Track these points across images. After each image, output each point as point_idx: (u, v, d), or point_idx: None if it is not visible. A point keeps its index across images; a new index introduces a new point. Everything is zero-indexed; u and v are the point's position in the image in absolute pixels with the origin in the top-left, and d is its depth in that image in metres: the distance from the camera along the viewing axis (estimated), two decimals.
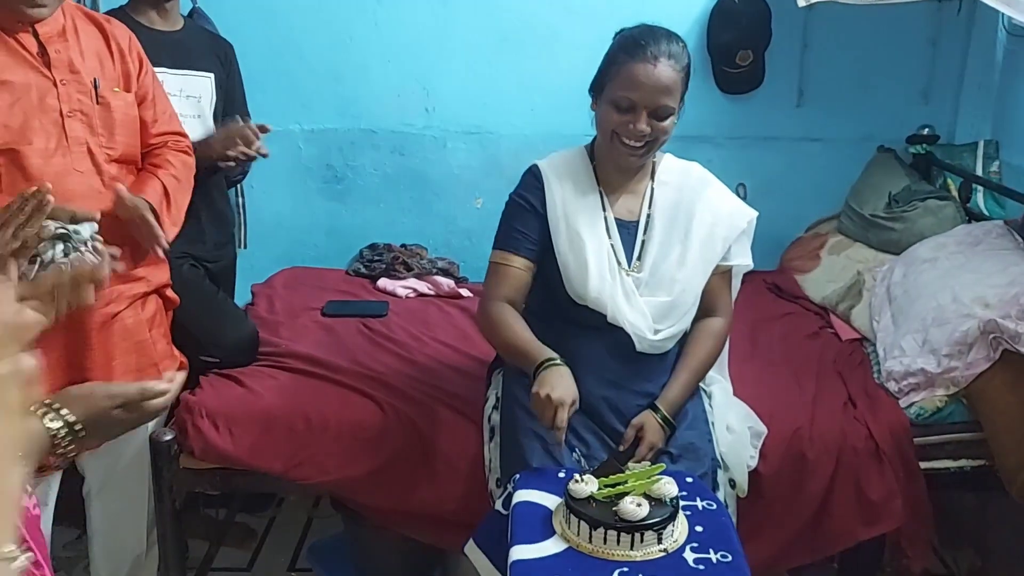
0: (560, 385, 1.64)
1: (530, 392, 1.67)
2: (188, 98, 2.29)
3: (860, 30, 2.96)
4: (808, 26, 2.96)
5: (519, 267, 1.84)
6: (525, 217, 1.86)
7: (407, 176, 3.12)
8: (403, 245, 3.09)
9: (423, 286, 2.87)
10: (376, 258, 2.99)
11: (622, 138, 1.78)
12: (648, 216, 1.88)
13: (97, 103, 1.77)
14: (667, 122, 1.77)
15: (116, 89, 1.83)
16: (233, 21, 2.73)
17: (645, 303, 1.83)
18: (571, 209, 1.84)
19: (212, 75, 2.35)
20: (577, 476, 1.51)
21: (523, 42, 2.98)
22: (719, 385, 2.08)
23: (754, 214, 1.92)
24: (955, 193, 2.86)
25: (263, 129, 2.22)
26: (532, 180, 1.89)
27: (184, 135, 2.04)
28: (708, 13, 2.92)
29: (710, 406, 2.00)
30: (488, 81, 3.02)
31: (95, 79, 1.77)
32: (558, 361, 1.69)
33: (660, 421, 1.80)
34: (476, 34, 2.95)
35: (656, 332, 1.83)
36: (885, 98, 3.08)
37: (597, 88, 1.84)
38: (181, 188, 1.95)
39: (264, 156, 2.24)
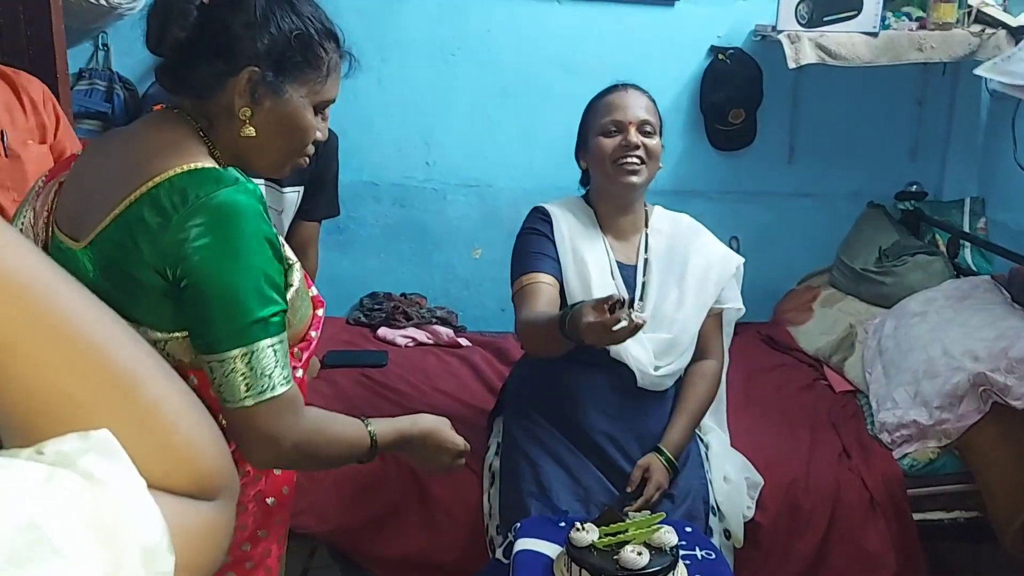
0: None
1: (579, 336, 1.51)
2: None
3: (849, 90, 3.04)
4: (799, 86, 3.05)
5: (547, 281, 1.84)
6: (541, 243, 1.91)
7: (407, 227, 3.17)
8: (403, 294, 3.12)
9: (422, 335, 2.90)
10: (376, 307, 3.03)
11: (620, 159, 1.85)
12: (645, 260, 1.94)
13: (6, 156, 1.66)
14: (654, 141, 1.88)
15: (29, 142, 1.71)
16: None
17: (647, 339, 1.87)
18: (577, 244, 1.90)
19: (301, 188, 2.15)
20: (578, 524, 1.53)
21: (522, 98, 3.06)
22: (715, 435, 2.12)
23: (740, 260, 2.00)
24: (943, 248, 2.92)
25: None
26: (539, 216, 1.96)
27: None
28: (701, 73, 3.01)
29: (706, 455, 2.04)
30: (487, 135, 3.10)
31: (2, 132, 1.66)
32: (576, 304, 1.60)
33: (664, 463, 1.84)
34: (477, 90, 3.03)
35: (657, 368, 1.88)
36: (874, 155, 3.15)
37: (581, 142, 1.96)
38: None
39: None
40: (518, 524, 1.69)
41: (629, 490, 1.82)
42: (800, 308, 2.97)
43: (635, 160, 1.85)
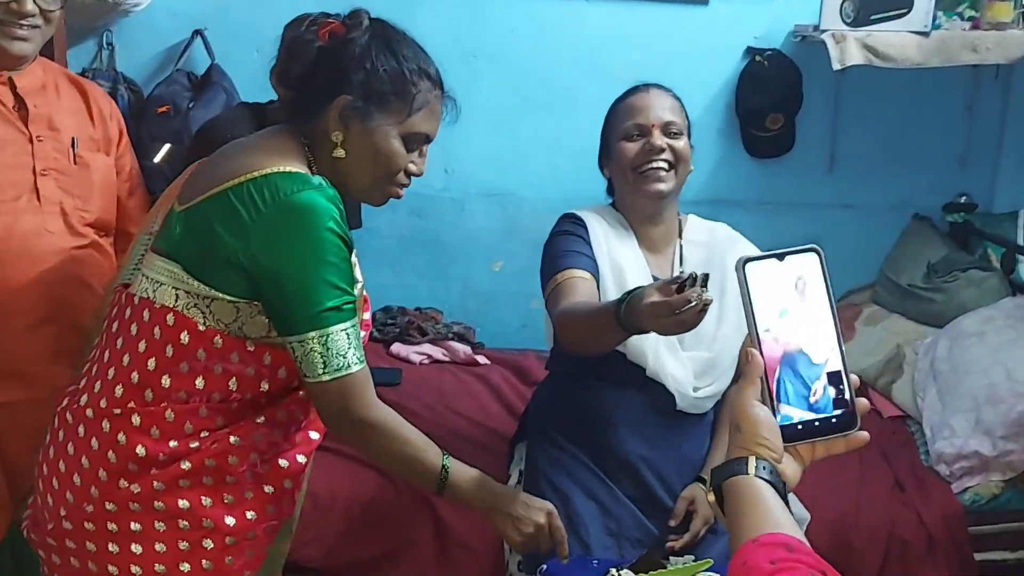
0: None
1: (637, 321, 1.34)
2: None
3: (894, 95, 2.89)
4: (840, 90, 2.89)
5: (585, 277, 1.67)
6: (576, 243, 1.75)
7: (424, 238, 3.04)
8: (418, 309, 2.99)
9: (438, 352, 2.75)
10: (390, 322, 2.89)
11: (644, 166, 1.71)
12: (681, 273, 1.79)
13: (75, 163, 1.68)
14: (681, 143, 1.73)
15: (97, 152, 1.75)
16: (251, 83, 2.68)
17: (687, 357, 1.73)
18: (614, 253, 1.74)
19: None
20: (613, 572, 1.37)
21: (545, 103, 2.92)
22: None
23: None
24: (997, 264, 2.76)
25: None
26: (572, 220, 1.81)
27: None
28: (737, 76, 2.86)
29: None
30: (509, 142, 2.96)
31: (73, 138, 1.69)
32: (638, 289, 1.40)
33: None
34: (498, 94, 2.89)
35: (696, 389, 1.73)
36: (920, 164, 2.99)
37: (604, 149, 1.83)
38: None
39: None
40: (544, 566, 1.52)
41: (672, 524, 1.67)
42: (842, 326, 2.80)
43: (662, 164, 1.71)
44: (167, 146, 2.64)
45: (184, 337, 1.22)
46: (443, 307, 3.03)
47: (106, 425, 1.23)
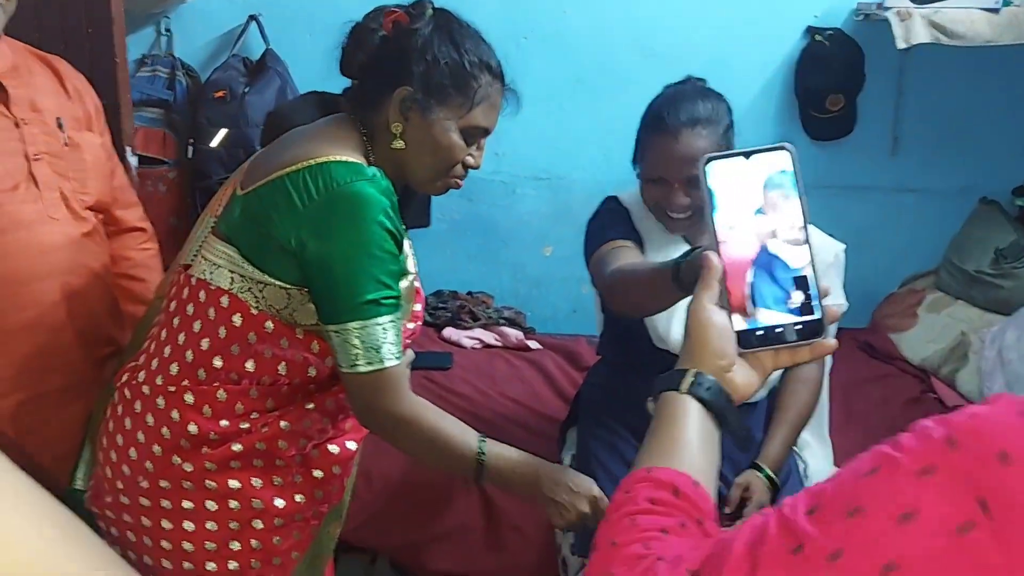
0: None
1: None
2: None
3: (960, 74, 2.78)
4: (904, 69, 2.80)
5: (629, 246, 1.62)
6: (620, 221, 1.70)
7: (474, 222, 3.03)
8: (469, 293, 2.98)
9: (489, 337, 2.74)
10: (441, 305, 2.89)
11: (666, 211, 1.65)
12: None
13: (66, 145, 1.54)
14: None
15: (83, 131, 1.61)
16: (306, 68, 2.70)
17: None
18: (655, 244, 1.70)
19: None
20: None
21: (598, 85, 2.88)
22: (812, 451, 1.92)
23: (841, 246, 1.77)
24: None
25: None
26: (614, 203, 1.77)
27: (143, 229, 1.77)
28: (797, 55, 2.78)
29: (805, 472, 1.85)
30: (560, 125, 2.93)
31: (58, 118, 1.54)
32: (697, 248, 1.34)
33: (765, 480, 1.67)
34: (549, 76, 2.86)
35: None
36: (988, 147, 2.88)
37: (637, 152, 1.72)
38: None
39: None
40: None
41: (727, 511, 1.64)
42: (903, 313, 2.72)
43: (681, 216, 1.63)
44: (223, 131, 2.67)
45: (237, 319, 1.23)
46: (494, 291, 3.01)
47: (161, 402, 1.26)
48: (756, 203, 0.85)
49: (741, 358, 0.83)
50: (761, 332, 0.84)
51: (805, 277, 0.85)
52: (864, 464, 0.58)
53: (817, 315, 0.85)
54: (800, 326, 0.85)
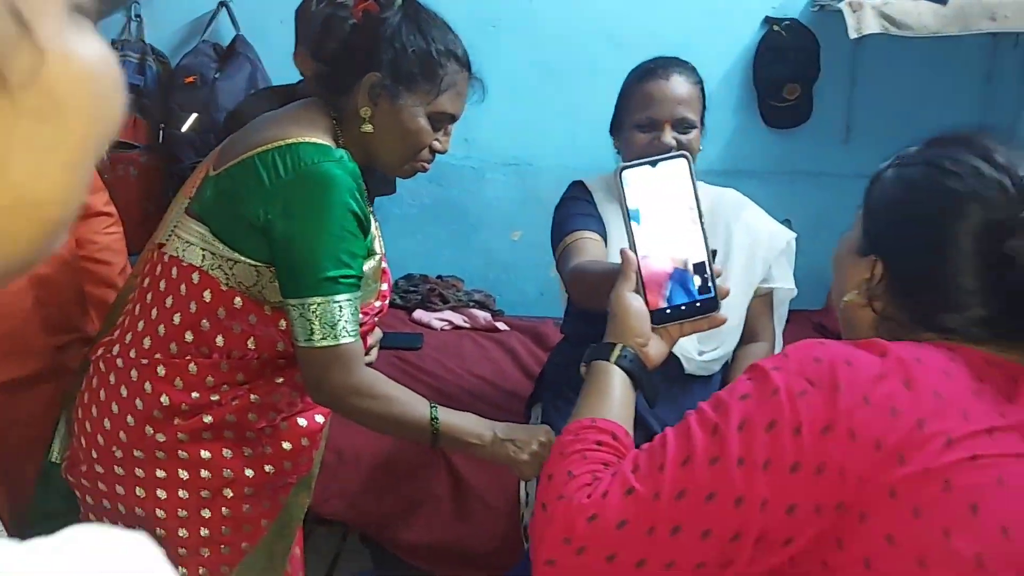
0: None
1: None
2: None
3: (911, 65, 2.88)
4: (857, 60, 2.89)
5: (594, 239, 1.71)
6: (585, 207, 1.79)
7: (444, 207, 3.08)
8: (439, 276, 3.04)
9: (459, 319, 2.81)
10: (412, 288, 2.95)
11: None
12: None
13: None
14: (691, 135, 1.74)
15: None
16: (276, 54, 2.73)
17: None
18: (616, 225, 1.78)
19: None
20: None
21: (566, 73, 2.94)
22: None
23: (792, 235, 1.87)
24: None
25: None
26: (580, 188, 1.85)
27: (108, 213, 1.79)
28: (755, 45, 2.87)
29: None
30: (529, 112, 2.99)
31: None
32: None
33: None
34: (517, 64, 2.92)
35: (702, 353, 1.78)
36: (935, 135, 2.98)
37: (616, 125, 1.82)
38: None
39: None
40: None
41: None
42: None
43: None
44: (194, 116, 2.70)
45: (207, 295, 1.28)
46: (464, 275, 3.07)
47: (134, 374, 1.31)
48: (663, 204, 1.05)
49: (654, 333, 1.05)
50: (669, 311, 1.06)
51: (703, 263, 1.05)
52: (740, 388, 0.83)
53: (712, 294, 1.06)
54: (699, 303, 1.06)
